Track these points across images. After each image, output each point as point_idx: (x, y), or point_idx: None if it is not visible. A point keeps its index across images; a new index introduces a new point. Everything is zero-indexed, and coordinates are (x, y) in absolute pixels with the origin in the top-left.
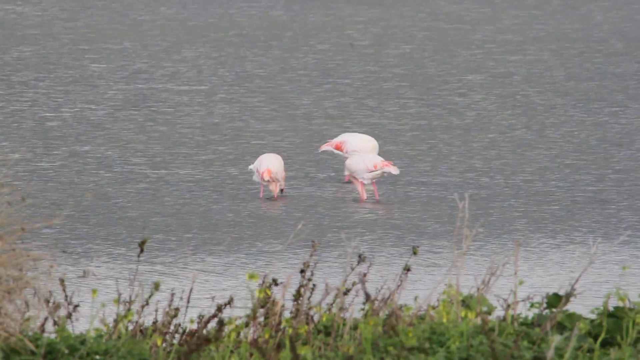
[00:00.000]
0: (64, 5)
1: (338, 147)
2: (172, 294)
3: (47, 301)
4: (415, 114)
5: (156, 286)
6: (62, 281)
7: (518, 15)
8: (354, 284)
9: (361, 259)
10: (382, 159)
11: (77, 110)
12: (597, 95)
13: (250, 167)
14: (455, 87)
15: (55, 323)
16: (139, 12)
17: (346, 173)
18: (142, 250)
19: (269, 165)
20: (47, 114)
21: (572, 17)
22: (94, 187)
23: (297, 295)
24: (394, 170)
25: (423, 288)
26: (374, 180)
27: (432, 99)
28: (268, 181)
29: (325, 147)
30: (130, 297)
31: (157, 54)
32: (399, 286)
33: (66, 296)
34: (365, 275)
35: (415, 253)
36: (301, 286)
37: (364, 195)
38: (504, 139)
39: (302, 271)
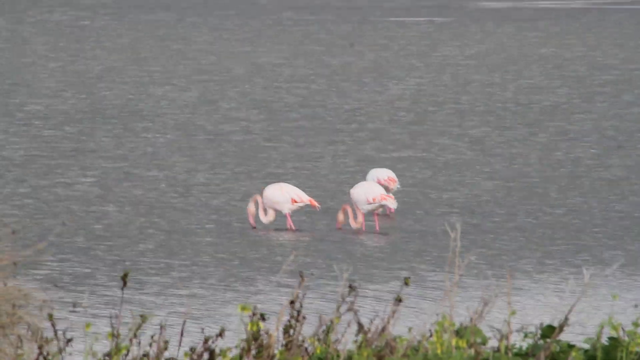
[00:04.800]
0: None
1: (390, 180)
2: (162, 327)
3: (40, 336)
4: (415, 143)
5: (143, 319)
6: (50, 316)
7: None
8: (348, 324)
9: (352, 289)
10: (383, 192)
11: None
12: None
13: (280, 199)
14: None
15: (45, 359)
16: None
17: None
18: (125, 284)
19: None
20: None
21: None
22: (77, 217)
23: (288, 327)
24: (392, 204)
25: (417, 318)
26: (375, 212)
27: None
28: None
29: (384, 183)
30: (117, 331)
31: None
32: (390, 317)
33: (55, 332)
34: (352, 303)
35: (407, 284)
36: (291, 317)
37: (363, 226)
38: (499, 169)
39: (292, 302)
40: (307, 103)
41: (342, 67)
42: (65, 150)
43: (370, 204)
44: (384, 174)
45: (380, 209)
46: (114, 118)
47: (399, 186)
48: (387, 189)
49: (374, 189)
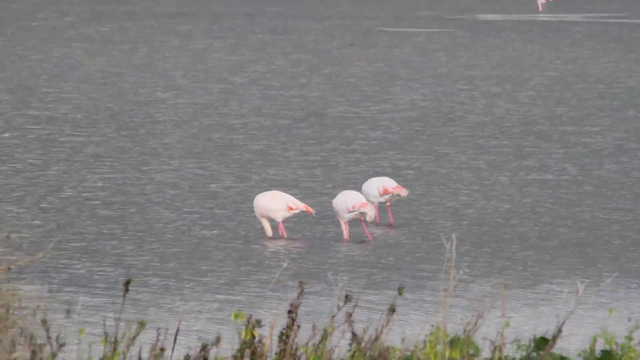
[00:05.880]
0: None
1: (399, 189)
2: (158, 333)
3: (34, 340)
4: (411, 154)
5: (141, 325)
6: (44, 322)
7: None
8: (342, 333)
9: (348, 298)
10: (362, 199)
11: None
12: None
13: (275, 207)
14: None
15: None
16: None
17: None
18: (127, 290)
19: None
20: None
21: None
22: (71, 220)
23: (282, 336)
24: (370, 211)
25: (409, 329)
26: (362, 219)
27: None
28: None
29: (393, 192)
30: (115, 337)
31: None
32: (384, 327)
33: (49, 337)
34: (351, 315)
35: (400, 293)
36: (287, 326)
37: (347, 235)
38: (492, 182)
39: (290, 312)
40: (307, 110)
41: (342, 76)
42: (69, 152)
43: (351, 212)
44: (391, 182)
45: (364, 217)
46: (116, 119)
47: (407, 192)
48: (392, 197)
49: (353, 197)
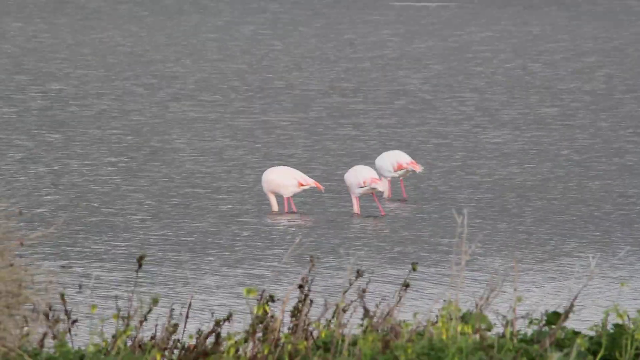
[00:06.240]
0: None
1: (414, 164)
2: (171, 310)
3: (46, 316)
4: (429, 134)
5: (154, 301)
6: (62, 296)
7: None
8: (351, 302)
9: (359, 274)
10: (373, 174)
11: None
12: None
13: (287, 182)
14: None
15: (54, 338)
16: None
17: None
18: (140, 266)
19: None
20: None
21: None
22: (89, 199)
23: (295, 311)
24: (380, 187)
25: (422, 304)
26: (374, 194)
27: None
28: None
29: (407, 167)
30: (128, 313)
31: None
32: (397, 302)
33: (65, 311)
34: (364, 290)
35: (414, 269)
36: (299, 301)
37: (358, 209)
38: (504, 156)
39: (301, 286)
40: (322, 84)
41: (356, 50)
42: (84, 126)
43: (362, 187)
44: (405, 157)
45: (375, 191)
46: (134, 91)
47: (422, 168)
48: (406, 172)
49: (363, 172)
